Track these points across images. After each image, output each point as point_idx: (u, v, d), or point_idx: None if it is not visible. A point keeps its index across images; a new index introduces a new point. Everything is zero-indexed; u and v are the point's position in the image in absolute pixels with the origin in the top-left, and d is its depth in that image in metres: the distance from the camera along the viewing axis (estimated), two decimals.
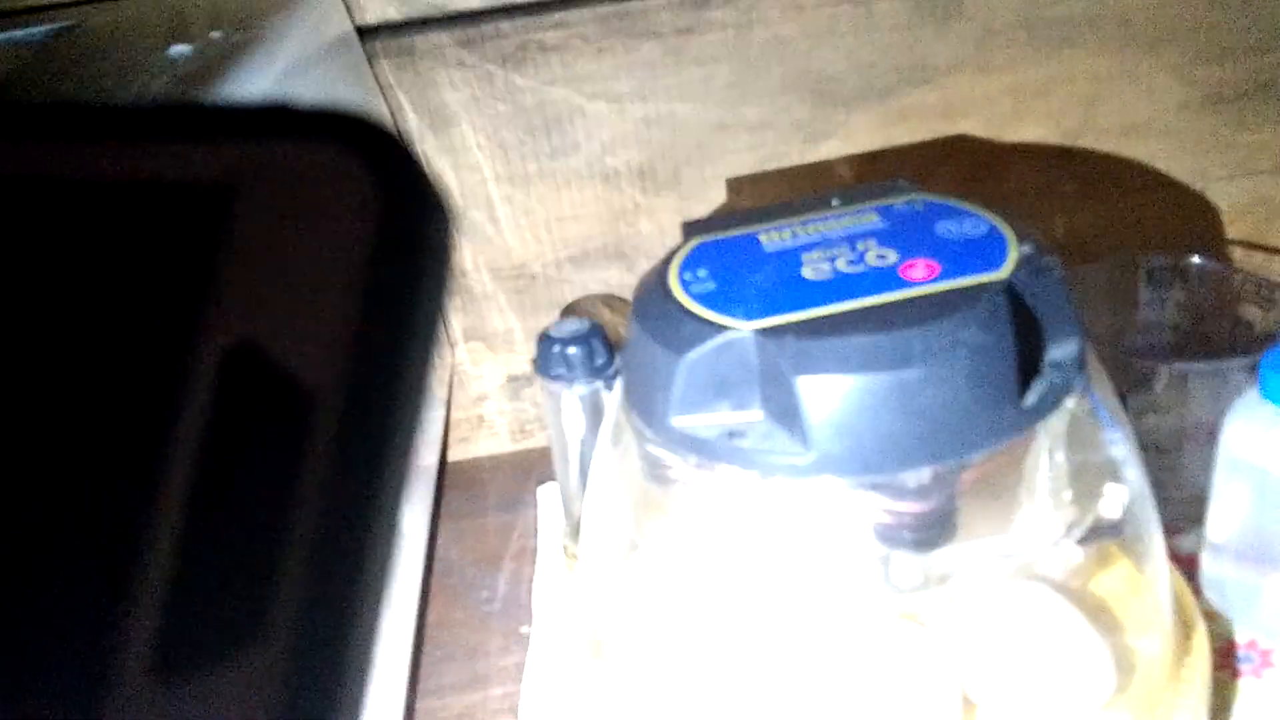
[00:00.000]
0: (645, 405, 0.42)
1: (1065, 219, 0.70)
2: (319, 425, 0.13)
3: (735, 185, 0.68)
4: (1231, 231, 0.71)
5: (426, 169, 0.14)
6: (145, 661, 0.12)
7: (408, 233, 0.13)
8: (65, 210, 0.14)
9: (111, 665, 0.12)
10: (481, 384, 0.74)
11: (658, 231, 0.69)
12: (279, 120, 0.14)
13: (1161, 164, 0.69)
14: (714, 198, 0.68)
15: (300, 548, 0.12)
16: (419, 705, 0.55)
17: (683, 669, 0.45)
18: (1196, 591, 0.54)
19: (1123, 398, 0.57)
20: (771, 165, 0.67)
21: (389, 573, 0.13)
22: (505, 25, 0.62)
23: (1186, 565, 0.55)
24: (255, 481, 0.13)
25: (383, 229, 0.13)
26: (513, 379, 0.74)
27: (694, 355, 0.39)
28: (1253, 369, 0.50)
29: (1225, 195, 0.70)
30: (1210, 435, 0.52)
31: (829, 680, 0.43)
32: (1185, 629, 0.48)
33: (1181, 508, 0.58)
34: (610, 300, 0.72)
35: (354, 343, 0.13)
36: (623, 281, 0.71)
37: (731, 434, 0.39)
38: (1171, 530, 0.58)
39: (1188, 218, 0.71)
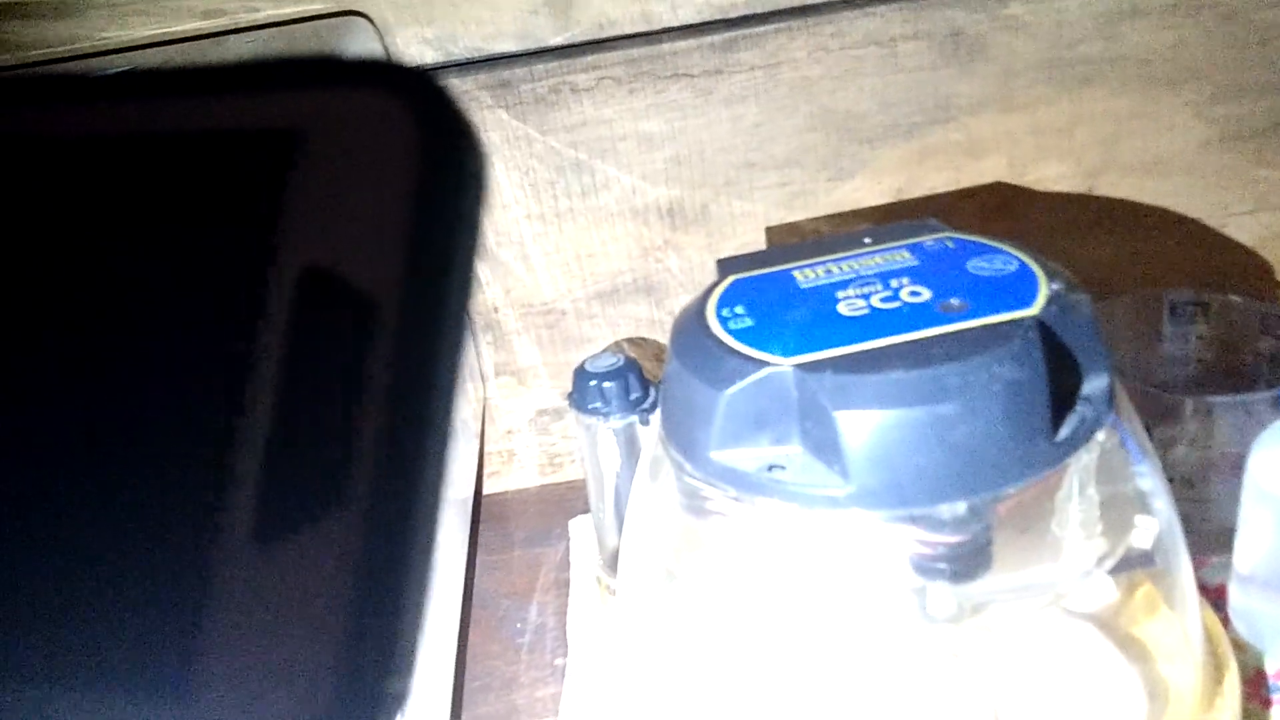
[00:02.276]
0: (685, 439, 0.43)
1: (1087, 255, 0.71)
2: (380, 327, 0.15)
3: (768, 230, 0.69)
4: (1252, 266, 0.72)
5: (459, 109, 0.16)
6: (244, 525, 0.15)
7: (446, 164, 0.15)
8: (145, 163, 0.16)
9: (215, 528, 0.15)
10: (511, 418, 0.75)
11: (686, 267, 0.70)
12: (328, 71, 0.16)
13: (1182, 200, 0.71)
14: (741, 233, 0.69)
15: (371, 426, 0.15)
16: None
17: (721, 700, 0.46)
18: (1225, 622, 0.54)
19: (1148, 430, 0.58)
20: (798, 202, 0.69)
21: (448, 448, 0.15)
22: (539, 68, 0.64)
23: (1214, 596, 0.56)
24: (330, 376, 0.15)
25: (425, 161, 0.15)
26: (541, 413, 0.75)
27: (734, 390, 0.40)
28: (1277, 401, 0.51)
29: (1246, 230, 0.71)
30: (1236, 467, 0.53)
31: (864, 711, 0.44)
32: (1216, 659, 0.48)
33: (1209, 539, 0.58)
34: (634, 340, 0.73)
35: (405, 259, 0.15)
36: (651, 316, 0.72)
37: (771, 467, 0.40)
38: (1199, 562, 0.59)
39: (1209, 253, 0.72)
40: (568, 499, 0.75)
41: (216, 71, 0.16)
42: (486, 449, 0.76)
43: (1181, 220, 0.71)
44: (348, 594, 0.14)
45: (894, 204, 0.69)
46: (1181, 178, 0.70)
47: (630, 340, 0.73)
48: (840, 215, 0.69)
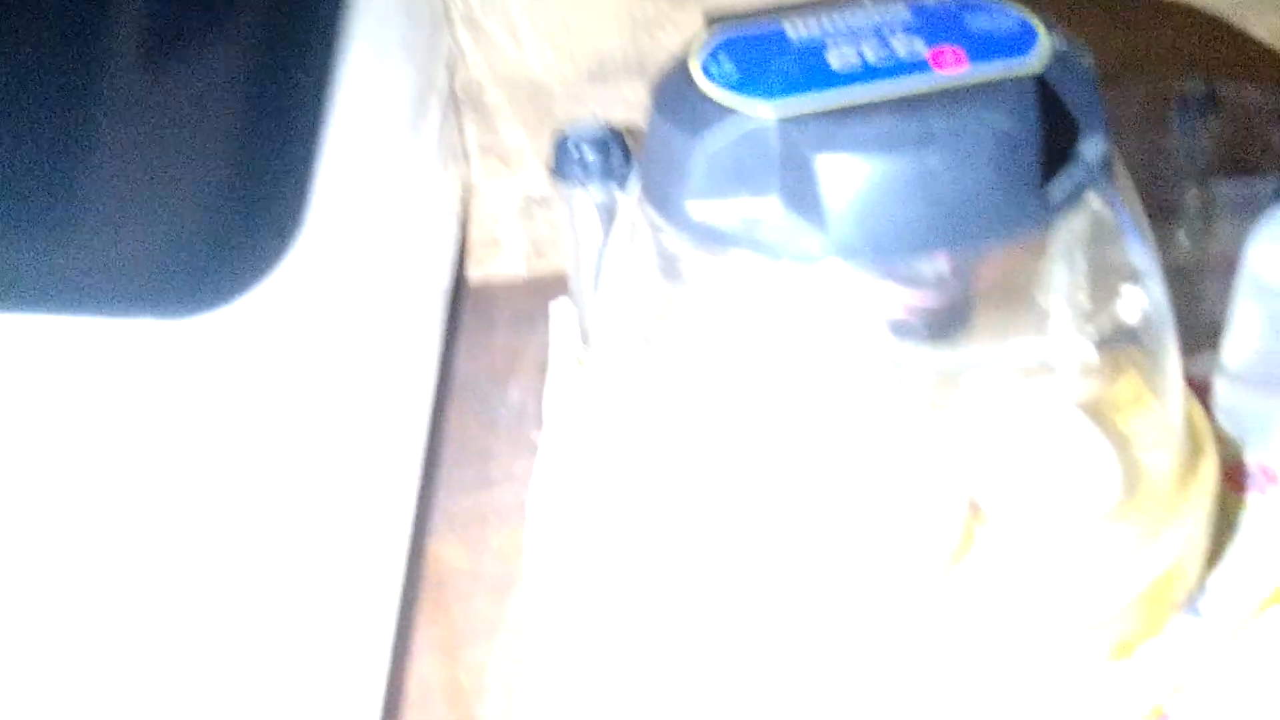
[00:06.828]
0: (661, 193, 0.41)
1: (1094, 45, 0.68)
2: None
3: None
4: (1269, 59, 0.69)
5: None
6: (130, 40, 0.13)
7: None
8: None
9: (98, 45, 0.13)
10: (497, 203, 0.73)
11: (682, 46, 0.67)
12: None
13: None
14: (742, 11, 0.66)
15: None
16: (434, 504, 0.56)
17: (695, 463, 0.46)
18: (1209, 416, 0.54)
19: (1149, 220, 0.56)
20: None
21: None
22: None
23: (1200, 392, 0.55)
24: None
25: None
26: (529, 200, 0.74)
27: (712, 138, 0.38)
28: (1278, 193, 0.49)
29: (1265, 24, 0.68)
30: (1233, 266, 0.52)
31: (834, 476, 0.43)
32: (1194, 444, 0.48)
33: (1199, 335, 0.57)
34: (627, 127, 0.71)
35: None
36: (643, 99, 0.69)
37: (747, 221, 0.39)
38: (1185, 355, 0.58)
39: (1225, 45, 0.68)
40: (555, 289, 0.73)
41: None
42: (474, 236, 0.74)
43: (1195, 10, 0.67)
44: (237, 114, 0.13)
45: None
46: None
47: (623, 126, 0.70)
48: None
